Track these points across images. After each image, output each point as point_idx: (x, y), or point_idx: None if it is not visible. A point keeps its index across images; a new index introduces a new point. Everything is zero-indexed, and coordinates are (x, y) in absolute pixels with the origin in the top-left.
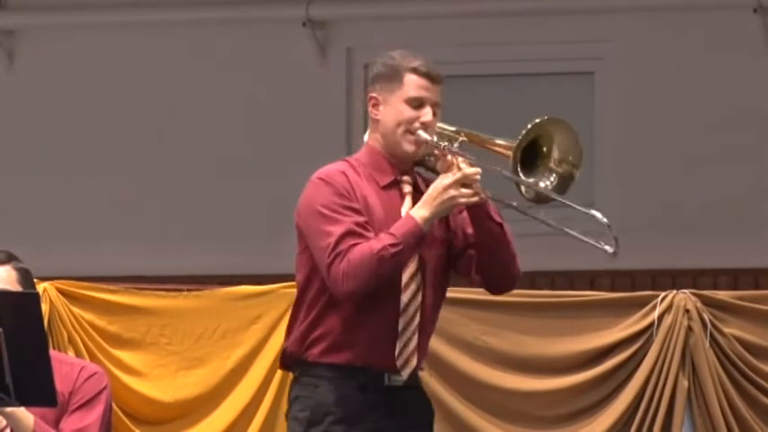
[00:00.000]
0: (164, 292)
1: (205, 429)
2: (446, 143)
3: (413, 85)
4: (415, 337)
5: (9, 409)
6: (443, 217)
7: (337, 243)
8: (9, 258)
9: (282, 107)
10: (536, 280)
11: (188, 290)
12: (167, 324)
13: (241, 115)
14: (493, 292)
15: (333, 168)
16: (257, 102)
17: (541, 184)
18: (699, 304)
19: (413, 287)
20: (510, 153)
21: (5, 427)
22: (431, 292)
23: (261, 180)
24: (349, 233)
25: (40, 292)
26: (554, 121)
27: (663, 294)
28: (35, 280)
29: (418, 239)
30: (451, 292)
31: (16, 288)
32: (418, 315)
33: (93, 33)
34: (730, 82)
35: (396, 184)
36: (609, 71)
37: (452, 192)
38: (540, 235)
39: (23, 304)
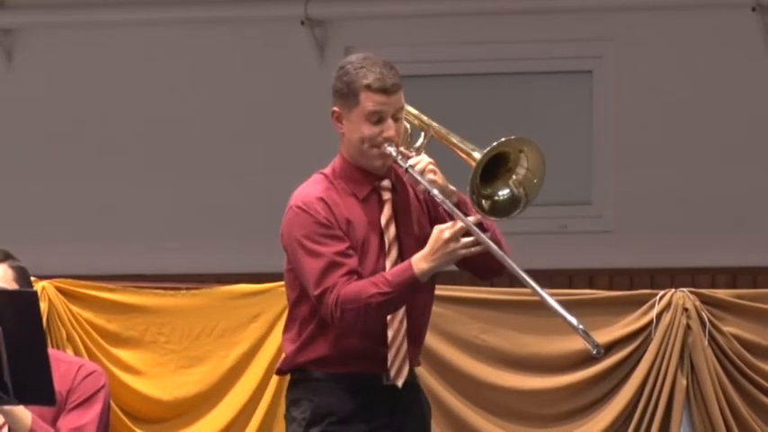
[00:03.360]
0: (162, 291)
1: (204, 428)
2: (408, 165)
3: (369, 101)
4: (405, 344)
5: (7, 407)
6: (426, 221)
7: (321, 277)
8: (5, 257)
9: (281, 106)
10: (535, 279)
11: (187, 288)
12: (166, 323)
13: (240, 114)
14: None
15: (311, 194)
16: (256, 100)
17: (495, 197)
18: (697, 303)
19: None
20: (472, 163)
21: (3, 425)
22: (417, 296)
23: (259, 178)
24: (331, 265)
25: (39, 291)
26: (527, 142)
27: (661, 293)
28: (34, 278)
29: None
30: (451, 291)
31: (13, 286)
32: (405, 322)
33: (93, 32)
34: (729, 80)
35: (374, 191)
36: (607, 70)
37: (453, 245)
38: (538, 234)
39: (22, 303)
